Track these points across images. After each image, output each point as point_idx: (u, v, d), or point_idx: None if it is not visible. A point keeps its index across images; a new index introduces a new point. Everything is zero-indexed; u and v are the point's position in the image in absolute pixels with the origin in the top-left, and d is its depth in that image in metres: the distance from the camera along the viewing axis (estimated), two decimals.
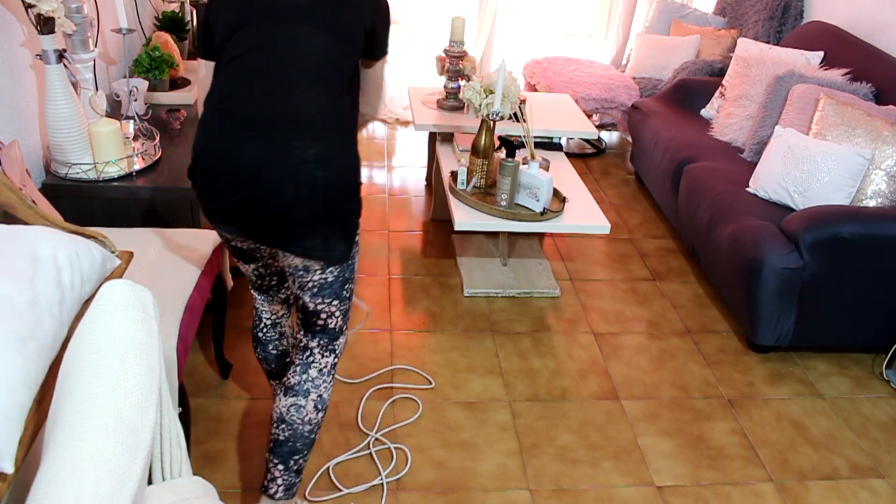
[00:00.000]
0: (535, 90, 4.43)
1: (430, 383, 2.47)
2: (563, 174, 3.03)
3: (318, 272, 1.67)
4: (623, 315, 2.92)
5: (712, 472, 2.22)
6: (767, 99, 3.26)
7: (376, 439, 2.23)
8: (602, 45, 5.02)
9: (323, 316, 1.74)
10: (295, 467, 1.77)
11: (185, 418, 1.87)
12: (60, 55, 2.11)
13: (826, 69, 3.36)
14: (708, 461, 2.26)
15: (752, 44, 3.73)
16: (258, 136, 1.54)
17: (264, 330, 1.98)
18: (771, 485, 2.19)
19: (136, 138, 2.45)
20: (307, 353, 1.78)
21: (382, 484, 2.08)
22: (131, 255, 1.69)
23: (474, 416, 2.36)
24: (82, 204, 2.22)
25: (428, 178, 3.87)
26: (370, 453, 2.17)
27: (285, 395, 1.76)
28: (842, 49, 3.44)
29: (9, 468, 1.15)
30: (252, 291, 1.94)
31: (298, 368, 1.78)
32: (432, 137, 3.55)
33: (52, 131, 2.18)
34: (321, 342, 1.78)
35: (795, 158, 2.82)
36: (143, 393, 1.05)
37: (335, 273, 1.69)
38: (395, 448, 2.20)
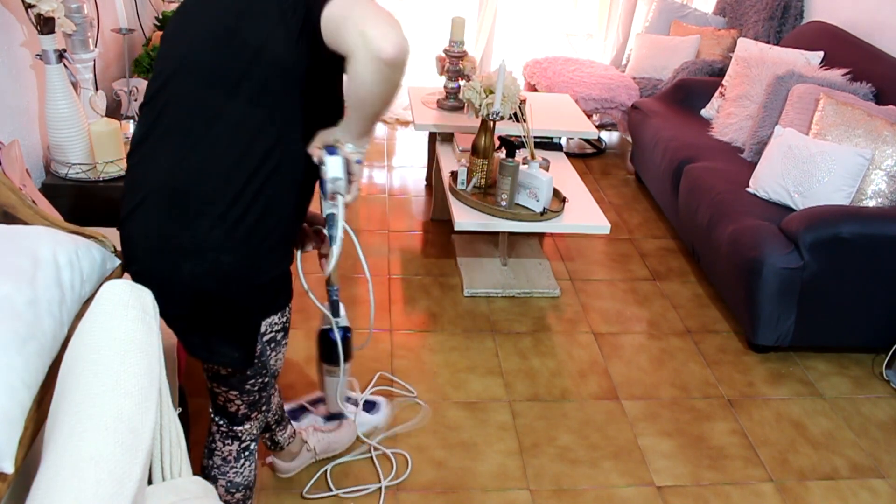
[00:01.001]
0: (535, 90, 4.43)
1: (413, 392, 2.47)
2: (563, 174, 3.03)
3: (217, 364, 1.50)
4: (623, 315, 2.92)
5: (712, 472, 2.22)
6: (767, 99, 3.26)
7: (376, 445, 2.23)
8: (602, 45, 5.02)
9: (221, 399, 1.57)
10: None
11: (185, 418, 1.87)
12: (60, 55, 2.11)
13: (826, 69, 3.36)
14: (708, 461, 2.26)
15: (752, 44, 3.73)
16: (143, 212, 1.34)
17: None
18: (771, 485, 2.19)
19: None
20: (209, 437, 1.65)
21: (380, 489, 2.08)
22: None
23: (474, 416, 2.36)
24: (82, 204, 2.22)
25: (428, 178, 3.87)
26: (371, 457, 2.17)
27: (200, 471, 1.65)
28: (842, 49, 3.44)
29: (9, 468, 1.15)
30: None
31: (206, 451, 1.66)
32: (432, 137, 3.55)
33: (52, 131, 2.18)
34: (220, 424, 1.62)
35: (795, 158, 2.82)
36: (143, 393, 1.05)
37: (228, 370, 1.50)
38: (394, 454, 2.20)
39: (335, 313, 1.64)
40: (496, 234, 3.27)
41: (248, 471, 1.66)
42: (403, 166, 4.09)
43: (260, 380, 1.54)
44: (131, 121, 2.49)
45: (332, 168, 1.38)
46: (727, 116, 3.52)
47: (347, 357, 1.70)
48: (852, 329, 2.67)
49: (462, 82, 3.28)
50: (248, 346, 1.44)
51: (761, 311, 2.60)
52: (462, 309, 2.88)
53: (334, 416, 2.17)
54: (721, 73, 4.02)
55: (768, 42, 4.06)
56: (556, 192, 2.82)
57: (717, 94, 3.76)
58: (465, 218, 2.67)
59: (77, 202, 2.22)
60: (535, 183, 2.64)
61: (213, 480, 1.64)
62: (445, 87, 3.30)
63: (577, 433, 2.32)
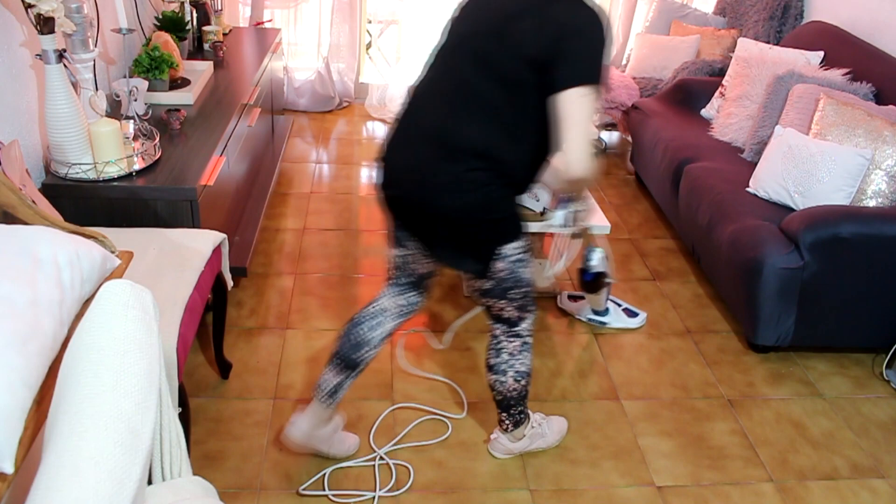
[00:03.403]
0: None
1: (463, 411, 2.47)
2: None
3: (474, 279, 1.89)
4: None
5: (712, 472, 2.22)
6: (767, 99, 3.26)
7: (382, 455, 2.23)
8: None
9: (495, 309, 1.96)
10: (515, 413, 2.10)
11: (185, 418, 1.87)
12: (60, 55, 2.11)
13: (826, 69, 3.36)
14: (708, 461, 2.26)
15: (752, 44, 3.73)
16: (414, 149, 1.75)
17: (363, 312, 2.06)
18: (771, 485, 2.19)
19: (136, 138, 2.45)
20: (495, 340, 2.03)
21: (374, 498, 2.08)
22: (131, 255, 1.69)
23: (474, 415, 2.36)
24: (82, 204, 2.22)
25: None
26: (374, 466, 2.18)
27: (489, 370, 2.06)
28: (842, 49, 3.44)
29: (9, 468, 1.15)
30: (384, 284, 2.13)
31: (493, 351, 2.04)
32: None
33: (52, 131, 2.18)
34: (502, 329, 2.00)
35: (795, 158, 2.82)
36: (143, 393, 1.05)
37: (491, 283, 1.87)
38: (396, 465, 2.20)
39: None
40: None
41: (529, 360, 2.04)
42: None
43: (519, 290, 1.90)
44: (131, 121, 2.49)
45: (556, 216, 2.05)
46: (727, 116, 3.52)
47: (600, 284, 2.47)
48: (852, 329, 2.67)
49: None
50: (485, 262, 1.82)
51: (761, 311, 2.60)
52: (462, 309, 2.88)
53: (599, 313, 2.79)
54: (721, 73, 4.02)
55: (768, 42, 4.06)
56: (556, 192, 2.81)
57: (717, 94, 3.76)
58: None
59: (77, 202, 2.22)
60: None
61: (502, 374, 2.02)
62: None
63: (577, 433, 2.32)
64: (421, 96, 1.79)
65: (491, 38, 1.65)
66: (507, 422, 2.13)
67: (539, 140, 1.73)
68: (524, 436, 2.17)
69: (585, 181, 1.71)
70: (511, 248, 1.82)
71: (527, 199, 2.68)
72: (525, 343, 2.02)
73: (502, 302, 1.92)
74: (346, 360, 2.02)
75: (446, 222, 1.75)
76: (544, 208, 2.65)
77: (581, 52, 1.58)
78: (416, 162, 1.74)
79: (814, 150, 2.78)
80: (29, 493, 0.93)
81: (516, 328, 1.99)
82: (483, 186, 1.71)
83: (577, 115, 1.59)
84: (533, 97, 1.65)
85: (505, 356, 2.02)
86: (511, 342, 2.01)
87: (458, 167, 1.69)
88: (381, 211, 1.96)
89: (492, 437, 2.21)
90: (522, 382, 2.05)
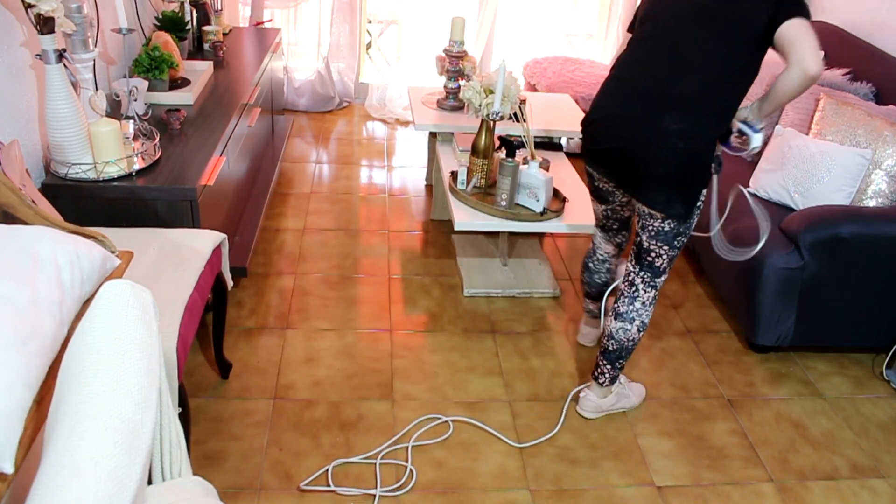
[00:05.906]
0: (535, 90, 4.43)
1: (449, 428, 2.47)
2: (563, 174, 3.03)
3: (659, 221, 2.09)
4: None
5: (712, 472, 2.22)
6: None
7: (384, 455, 2.23)
8: (602, 45, 5.02)
9: (652, 255, 2.16)
10: (618, 366, 2.31)
11: (185, 418, 1.87)
12: (60, 55, 2.11)
13: (826, 69, 3.36)
14: (708, 461, 2.26)
15: None
16: (638, 104, 1.99)
17: (595, 263, 2.51)
18: (771, 485, 2.19)
19: (136, 138, 2.45)
20: (633, 288, 2.23)
21: (375, 496, 2.08)
22: (131, 255, 1.69)
23: (474, 416, 2.36)
24: (82, 204, 2.22)
25: (428, 178, 3.87)
26: (374, 465, 2.18)
27: (615, 319, 2.25)
28: (842, 49, 3.44)
29: (9, 468, 1.15)
30: (595, 229, 2.47)
31: (626, 300, 2.24)
32: (432, 137, 3.55)
33: (52, 131, 2.18)
34: (645, 277, 2.20)
35: (795, 158, 2.82)
36: (143, 393, 1.05)
37: (672, 225, 2.09)
38: (396, 464, 2.20)
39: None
40: (496, 234, 3.27)
41: (651, 316, 2.27)
42: (403, 166, 4.09)
43: (683, 239, 2.13)
44: (131, 121, 2.49)
45: (756, 140, 2.06)
46: None
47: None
48: (852, 329, 2.67)
49: (462, 82, 3.27)
50: (689, 207, 2.04)
51: (761, 311, 2.60)
52: (462, 309, 2.88)
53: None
54: None
55: None
56: (556, 192, 2.82)
57: None
58: (465, 218, 2.67)
59: (77, 202, 2.22)
60: (535, 183, 2.64)
61: (629, 321, 2.23)
62: (445, 87, 3.30)
63: (577, 433, 2.32)
64: (633, 65, 2.04)
65: (722, 8, 1.91)
66: (607, 375, 2.32)
67: (740, 93, 2.00)
68: (612, 392, 2.37)
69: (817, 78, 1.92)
70: (701, 195, 2.06)
71: (527, 199, 2.68)
72: (655, 297, 2.24)
73: (665, 248, 2.13)
74: (599, 293, 2.55)
75: (666, 161, 1.97)
76: (545, 208, 2.65)
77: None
78: (642, 115, 1.97)
79: (814, 150, 2.78)
80: (29, 493, 0.93)
81: (657, 279, 2.20)
82: (707, 133, 1.97)
83: (804, 32, 1.83)
84: (745, 58, 1.93)
85: (638, 305, 2.22)
86: (647, 292, 2.22)
87: (687, 116, 1.94)
88: (588, 168, 2.21)
89: (581, 395, 2.38)
90: (641, 334, 2.26)
